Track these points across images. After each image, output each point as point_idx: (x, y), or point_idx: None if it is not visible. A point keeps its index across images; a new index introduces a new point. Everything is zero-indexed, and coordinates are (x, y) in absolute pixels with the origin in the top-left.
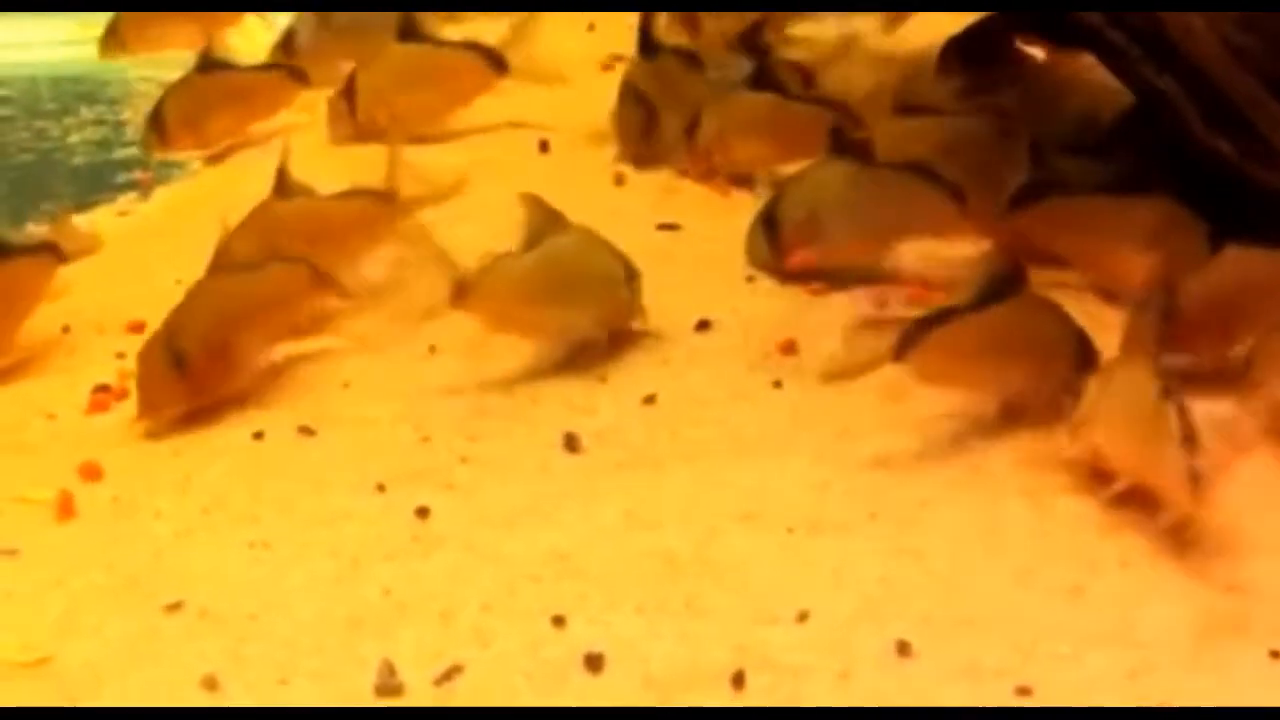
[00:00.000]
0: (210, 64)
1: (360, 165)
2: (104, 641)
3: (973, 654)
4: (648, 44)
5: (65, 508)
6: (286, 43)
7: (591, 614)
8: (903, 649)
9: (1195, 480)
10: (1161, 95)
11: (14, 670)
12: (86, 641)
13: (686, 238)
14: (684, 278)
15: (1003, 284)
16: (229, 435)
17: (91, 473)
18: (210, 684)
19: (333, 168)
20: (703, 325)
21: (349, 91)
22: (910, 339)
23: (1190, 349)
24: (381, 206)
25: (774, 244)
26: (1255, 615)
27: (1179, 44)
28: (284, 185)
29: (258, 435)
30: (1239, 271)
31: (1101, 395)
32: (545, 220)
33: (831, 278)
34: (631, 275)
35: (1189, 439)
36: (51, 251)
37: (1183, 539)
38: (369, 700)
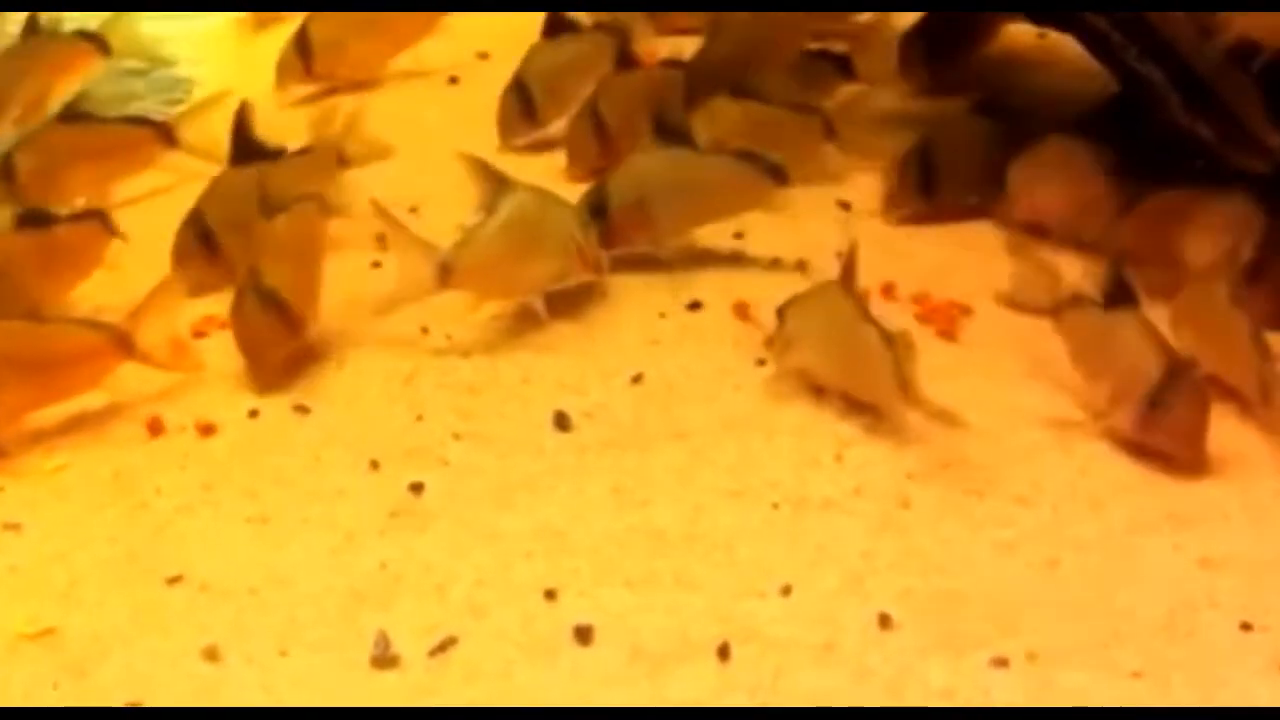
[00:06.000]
0: (72, 114)
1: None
2: (107, 613)
3: (952, 626)
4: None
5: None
6: None
7: (582, 588)
8: (884, 621)
9: (904, 386)
10: (1144, 80)
11: (19, 641)
12: (90, 613)
13: None
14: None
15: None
16: (225, 413)
17: None
18: (211, 655)
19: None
20: (694, 305)
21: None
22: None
23: None
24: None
25: (601, 229)
26: (1227, 589)
27: (1159, 29)
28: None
29: (253, 413)
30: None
31: (806, 317)
32: (495, 182)
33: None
34: (586, 223)
35: (890, 342)
36: (100, 221)
37: (1161, 516)
38: (366, 671)
